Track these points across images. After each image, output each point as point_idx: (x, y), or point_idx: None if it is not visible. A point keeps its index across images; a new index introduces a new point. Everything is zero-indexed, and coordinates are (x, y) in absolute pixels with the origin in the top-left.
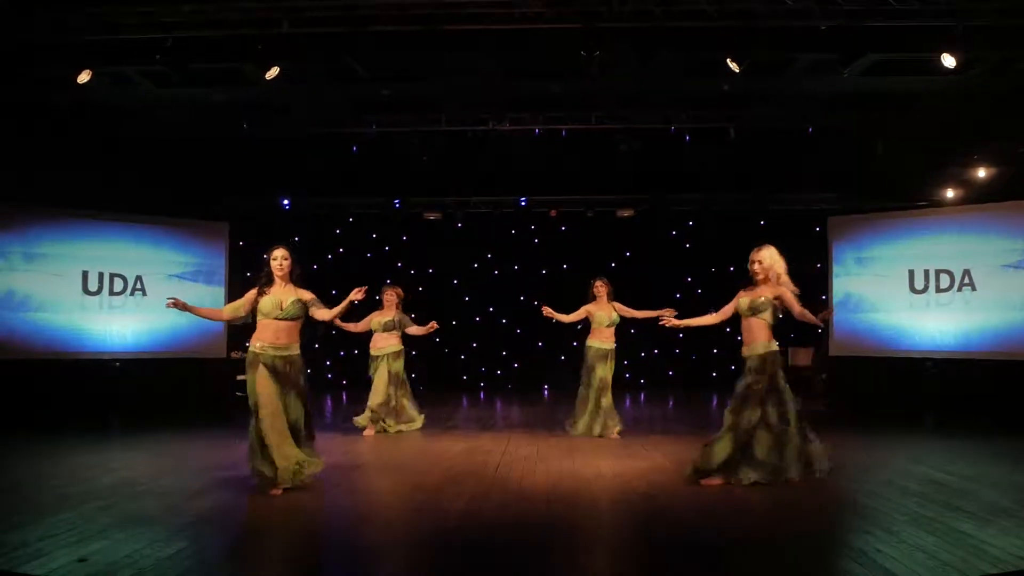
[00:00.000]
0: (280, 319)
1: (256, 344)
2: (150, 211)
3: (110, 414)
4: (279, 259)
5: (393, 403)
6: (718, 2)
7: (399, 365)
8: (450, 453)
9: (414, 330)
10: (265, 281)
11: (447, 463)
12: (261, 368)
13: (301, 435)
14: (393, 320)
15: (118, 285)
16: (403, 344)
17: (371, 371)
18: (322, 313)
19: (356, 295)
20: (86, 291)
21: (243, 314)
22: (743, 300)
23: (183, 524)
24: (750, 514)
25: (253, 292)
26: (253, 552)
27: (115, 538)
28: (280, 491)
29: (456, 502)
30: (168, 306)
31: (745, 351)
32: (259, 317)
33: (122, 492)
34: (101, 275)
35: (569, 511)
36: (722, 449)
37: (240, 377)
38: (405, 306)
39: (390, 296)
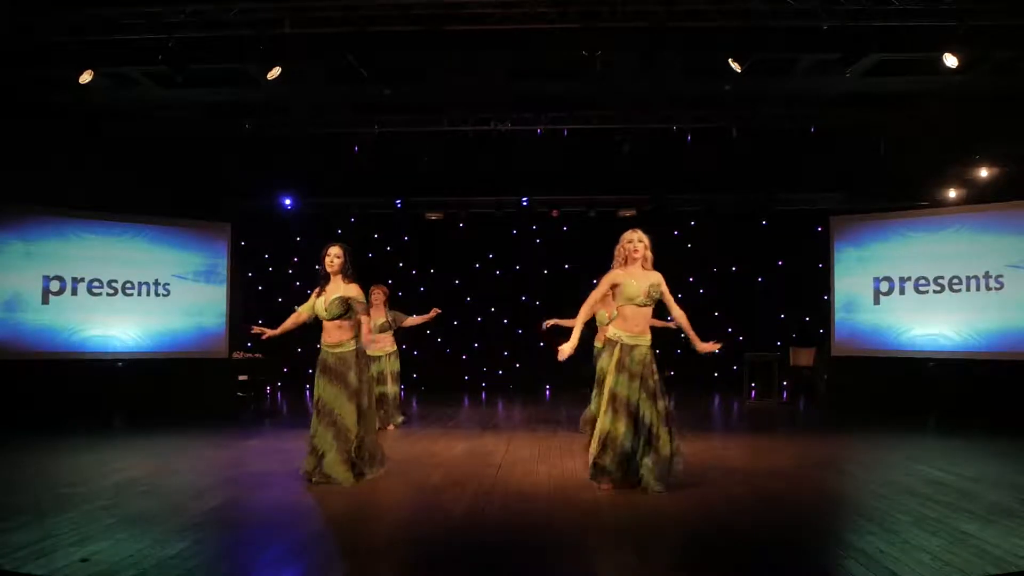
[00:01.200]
0: (327, 319)
1: (321, 344)
2: (152, 211)
3: (112, 414)
4: (331, 256)
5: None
6: (720, 2)
7: (398, 364)
8: (452, 453)
9: (412, 321)
10: (324, 280)
11: (449, 463)
12: (319, 369)
13: (353, 442)
14: (387, 321)
15: (120, 285)
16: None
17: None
18: (365, 318)
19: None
20: (88, 292)
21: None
22: (636, 285)
23: (185, 524)
24: (751, 514)
25: (317, 290)
26: (255, 552)
27: (117, 538)
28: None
29: (458, 502)
30: (255, 332)
31: (638, 340)
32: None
33: (124, 492)
34: (103, 275)
35: (571, 511)
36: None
37: (242, 377)
38: (392, 302)
39: (377, 295)
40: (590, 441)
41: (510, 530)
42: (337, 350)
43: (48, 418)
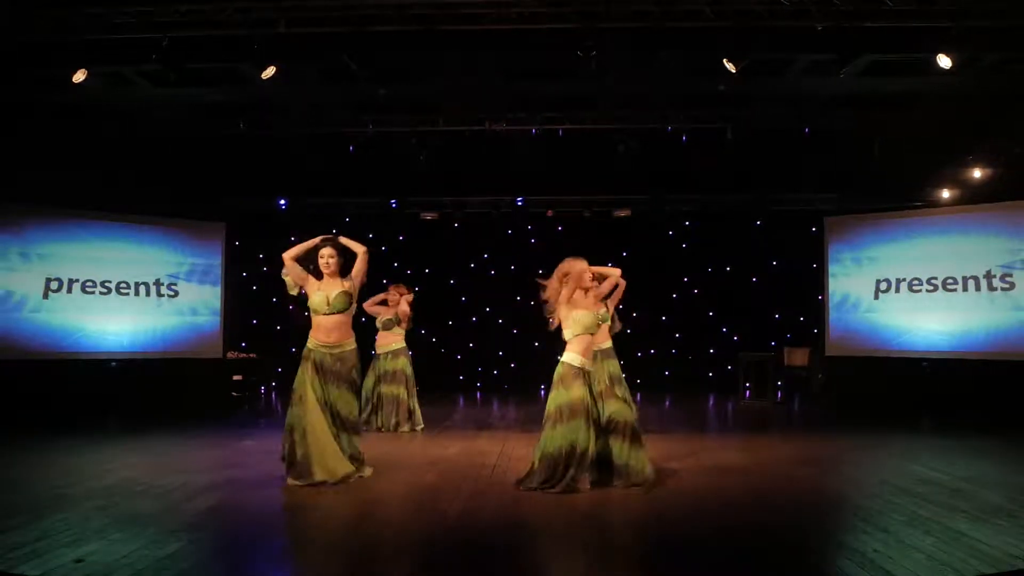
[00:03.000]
0: (328, 314)
1: (310, 341)
2: (147, 211)
3: (107, 414)
4: (325, 257)
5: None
6: (716, 2)
7: (395, 364)
8: (447, 453)
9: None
10: (318, 277)
11: (444, 463)
12: (309, 365)
13: (349, 430)
14: (391, 319)
15: (115, 285)
16: (405, 342)
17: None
18: (358, 267)
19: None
20: (83, 291)
21: (293, 277)
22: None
23: (180, 524)
24: (745, 513)
25: (307, 276)
26: (250, 553)
27: (112, 538)
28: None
29: (453, 503)
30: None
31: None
32: (311, 313)
33: (119, 492)
34: (97, 275)
35: (566, 511)
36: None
37: (236, 377)
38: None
39: (394, 296)
40: None
41: (505, 530)
42: (337, 350)
43: (42, 418)
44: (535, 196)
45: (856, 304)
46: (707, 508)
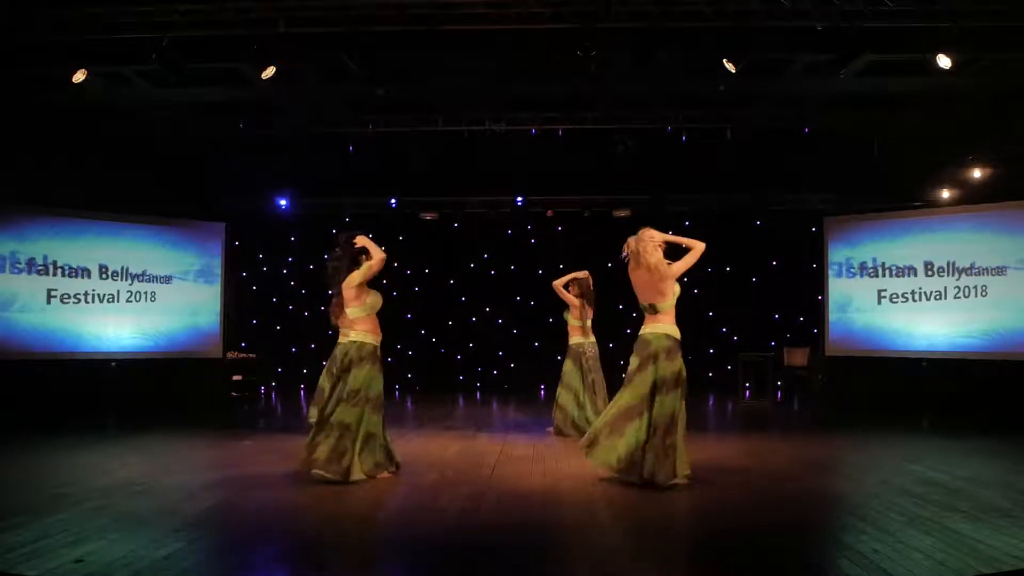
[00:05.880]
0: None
1: (377, 339)
2: (146, 211)
3: (106, 415)
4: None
5: None
6: (715, 3)
7: None
8: (446, 454)
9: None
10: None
11: (443, 464)
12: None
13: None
14: None
15: (114, 285)
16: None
17: None
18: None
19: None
20: (83, 291)
21: None
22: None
23: (180, 525)
24: (746, 514)
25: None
26: (249, 553)
27: (112, 538)
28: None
29: (453, 503)
30: None
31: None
32: (372, 312)
33: (119, 492)
34: (98, 275)
35: (566, 512)
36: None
37: (236, 377)
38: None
39: None
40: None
41: (504, 530)
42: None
43: (42, 418)
44: (535, 196)
45: (856, 304)
46: (706, 508)
